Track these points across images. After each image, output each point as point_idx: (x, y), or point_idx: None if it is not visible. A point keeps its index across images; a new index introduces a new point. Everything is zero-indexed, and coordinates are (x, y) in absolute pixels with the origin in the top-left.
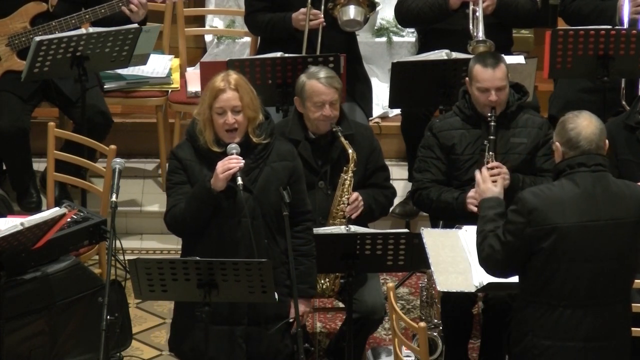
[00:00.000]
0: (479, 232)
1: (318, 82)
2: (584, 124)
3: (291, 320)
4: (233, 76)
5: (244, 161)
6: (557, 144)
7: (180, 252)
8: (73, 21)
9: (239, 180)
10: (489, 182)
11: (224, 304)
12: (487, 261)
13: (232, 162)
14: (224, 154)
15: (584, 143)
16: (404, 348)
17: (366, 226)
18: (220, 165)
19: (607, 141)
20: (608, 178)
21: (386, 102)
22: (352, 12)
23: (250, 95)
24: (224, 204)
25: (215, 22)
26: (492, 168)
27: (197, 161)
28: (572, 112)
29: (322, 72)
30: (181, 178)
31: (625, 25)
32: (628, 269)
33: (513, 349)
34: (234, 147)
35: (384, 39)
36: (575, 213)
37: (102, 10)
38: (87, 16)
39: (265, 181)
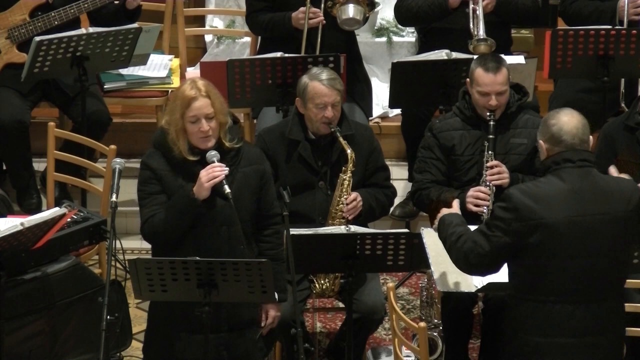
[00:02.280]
0: (449, 234)
1: (320, 83)
2: (565, 119)
3: (264, 325)
4: (200, 82)
5: (227, 169)
6: (541, 142)
7: None
8: (72, 11)
9: (227, 189)
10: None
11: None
12: (469, 255)
13: (216, 171)
14: (200, 162)
15: (566, 137)
16: (404, 348)
17: (366, 226)
18: (205, 174)
19: (590, 137)
20: (594, 173)
21: (386, 102)
22: (351, 10)
23: (220, 99)
24: (203, 211)
25: (215, 22)
26: (491, 167)
27: (171, 171)
28: (553, 110)
29: (324, 74)
30: (156, 188)
31: (625, 26)
32: (619, 265)
33: (506, 347)
34: (214, 155)
35: (384, 39)
36: (562, 208)
37: None
38: (85, 5)
39: (239, 187)
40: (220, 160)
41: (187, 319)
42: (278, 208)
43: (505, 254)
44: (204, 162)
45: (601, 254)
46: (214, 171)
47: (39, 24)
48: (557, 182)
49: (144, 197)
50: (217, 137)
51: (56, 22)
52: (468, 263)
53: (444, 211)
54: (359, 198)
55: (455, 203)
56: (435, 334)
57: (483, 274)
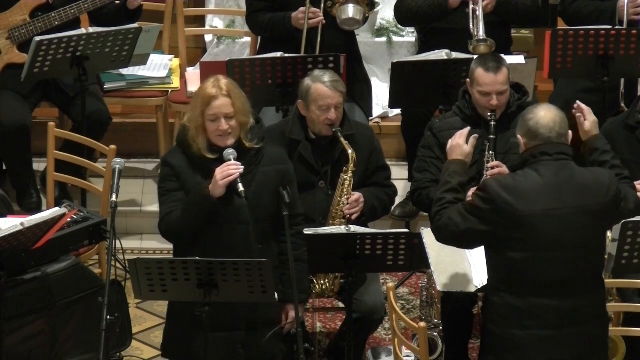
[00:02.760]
0: (438, 199)
1: (323, 85)
2: (542, 114)
3: (284, 325)
4: (223, 81)
5: (243, 167)
6: (519, 136)
7: None
8: (72, 11)
9: (240, 187)
10: (463, 139)
11: (222, 310)
12: (442, 229)
13: (231, 169)
14: (218, 160)
15: (543, 131)
16: (404, 348)
17: (366, 226)
18: (220, 172)
19: (570, 131)
20: (572, 166)
21: (386, 102)
22: (350, 10)
23: (241, 100)
24: (220, 209)
25: (215, 22)
26: (492, 167)
27: (190, 168)
28: (532, 105)
29: (327, 76)
30: (174, 185)
31: (625, 26)
32: (595, 255)
33: (485, 341)
34: (230, 153)
35: (384, 39)
36: (538, 201)
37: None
38: (86, 5)
39: (259, 186)
40: (240, 160)
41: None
42: (301, 209)
43: (479, 239)
44: (222, 160)
45: (578, 246)
46: (229, 169)
47: (40, 25)
48: (534, 176)
49: (162, 194)
50: (237, 136)
51: (56, 23)
52: (440, 234)
53: (454, 154)
54: (362, 199)
55: (472, 140)
56: (435, 334)
57: (453, 246)
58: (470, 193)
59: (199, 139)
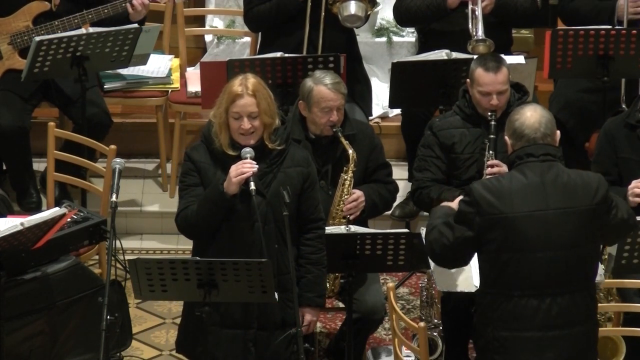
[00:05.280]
0: (428, 226)
1: (325, 87)
2: (528, 115)
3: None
4: (251, 80)
5: (257, 166)
6: (506, 137)
7: (179, 252)
8: (76, 21)
9: (252, 185)
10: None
11: (236, 307)
12: (434, 244)
13: (245, 167)
14: (239, 158)
15: (528, 132)
16: (404, 348)
17: (366, 225)
18: (234, 169)
19: (558, 132)
20: (558, 167)
21: (386, 102)
22: (352, 7)
23: (267, 100)
24: (238, 207)
25: (215, 22)
26: (492, 167)
27: (212, 164)
28: (520, 106)
29: (328, 78)
30: (194, 180)
31: (625, 25)
32: (585, 258)
33: (477, 342)
34: (248, 151)
35: (384, 39)
36: (523, 203)
37: (105, 11)
38: (89, 16)
39: (278, 186)
40: (262, 160)
41: (219, 313)
42: (321, 213)
43: (469, 247)
44: (241, 158)
45: (565, 248)
46: (244, 167)
47: (42, 32)
48: (519, 177)
49: (182, 189)
50: (259, 136)
51: (59, 31)
52: (433, 252)
53: (441, 205)
54: (362, 198)
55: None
56: (435, 334)
57: (449, 264)
58: (457, 200)
59: (222, 135)
